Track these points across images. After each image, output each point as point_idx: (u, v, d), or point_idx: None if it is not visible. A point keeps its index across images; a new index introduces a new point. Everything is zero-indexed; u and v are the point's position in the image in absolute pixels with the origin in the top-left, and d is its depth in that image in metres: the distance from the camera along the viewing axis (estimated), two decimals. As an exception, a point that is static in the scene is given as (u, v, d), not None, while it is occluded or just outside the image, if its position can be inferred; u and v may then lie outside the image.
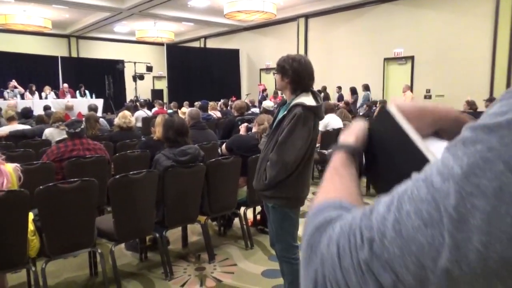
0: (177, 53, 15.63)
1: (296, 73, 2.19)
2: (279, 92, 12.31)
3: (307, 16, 13.65)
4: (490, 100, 7.43)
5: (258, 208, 3.97)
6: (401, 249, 0.35)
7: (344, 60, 12.56)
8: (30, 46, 15.53)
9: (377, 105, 8.60)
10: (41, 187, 2.35)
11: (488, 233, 0.31)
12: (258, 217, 4.04)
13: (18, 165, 2.29)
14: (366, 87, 11.14)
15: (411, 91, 10.46)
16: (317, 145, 5.47)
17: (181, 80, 14.76)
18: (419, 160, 0.45)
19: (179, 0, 11.95)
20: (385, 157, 0.62)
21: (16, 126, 5.21)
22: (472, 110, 7.24)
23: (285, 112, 2.18)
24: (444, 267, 0.32)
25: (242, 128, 4.03)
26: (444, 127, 0.60)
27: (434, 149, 0.51)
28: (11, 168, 2.30)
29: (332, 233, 0.41)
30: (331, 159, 0.60)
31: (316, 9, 12.97)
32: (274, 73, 2.40)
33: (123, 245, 3.34)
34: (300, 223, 2.40)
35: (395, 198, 0.38)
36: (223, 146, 3.79)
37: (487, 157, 0.32)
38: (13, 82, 11.26)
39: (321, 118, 2.30)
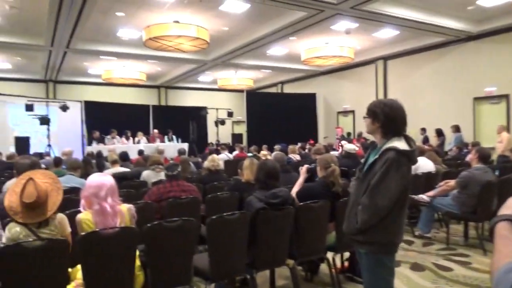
0: (255, 99, 16.34)
1: (387, 118, 2.20)
2: (362, 134, 12.16)
3: (385, 59, 13.52)
4: None
5: (346, 255, 3.85)
6: None
7: (427, 101, 12.04)
8: (127, 97, 17.42)
9: (469, 147, 8.03)
10: (148, 224, 2.55)
11: None
12: (346, 263, 3.90)
13: (132, 206, 2.54)
14: (457, 128, 10.46)
15: (508, 131, 9.59)
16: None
17: (259, 124, 15.28)
18: None
19: (258, 50, 12.65)
20: None
21: (118, 169, 5.77)
22: None
23: (377, 156, 2.18)
24: None
25: (303, 170, 3.78)
26: None
27: None
28: (125, 208, 2.56)
29: None
30: (496, 230, 0.70)
31: (395, 51, 12.81)
32: (364, 117, 2.43)
33: (213, 285, 3.42)
34: (395, 272, 2.29)
35: None
36: (295, 195, 3.46)
37: None
38: (114, 133, 12.60)
39: (415, 162, 2.25)
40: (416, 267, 4.03)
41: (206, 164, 5.04)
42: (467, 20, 10.18)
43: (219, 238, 2.79)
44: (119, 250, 2.43)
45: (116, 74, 15.08)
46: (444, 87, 11.63)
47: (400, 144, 2.16)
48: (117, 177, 5.51)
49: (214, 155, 5.05)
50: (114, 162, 5.87)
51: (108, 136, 12.47)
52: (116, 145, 11.74)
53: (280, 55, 13.86)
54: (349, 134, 14.06)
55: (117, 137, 12.66)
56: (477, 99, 10.85)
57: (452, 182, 4.53)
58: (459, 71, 11.19)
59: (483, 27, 10.30)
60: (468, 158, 6.35)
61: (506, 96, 10.13)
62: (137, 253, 2.65)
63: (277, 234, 3.08)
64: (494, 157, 8.74)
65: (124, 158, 7.29)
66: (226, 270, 2.84)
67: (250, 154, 10.12)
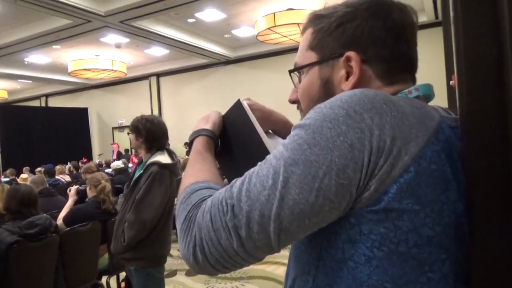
0: (12, 114, 13.93)
1: (150, 133, 2.30)
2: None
3: (158, 75, 13.97)
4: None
5: (123, 275, 3.74)
6: (250, 207, 0.52)
7: (196, 116, 13.06)
8: None
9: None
10: None
11: (299, 187, 0.50)
12: (123, 285, 3.79)
13: None
14: None
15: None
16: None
17: (19, 143, 13.05)
18: (262, 151, 0.61)
19: (13, 56, 10.84)
20: (235, 145, 0.75)
21: None
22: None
23: (142, 171, 2.23)
24: (276, 213, 0.50)
25: (72, 192, 3.57)
26: (276, 128, 0.85)
27: (272, 143, 0.69)
28: None
29: (205, 207, 0.56)
30: (194, 144, 0.74)
31: (167, 69, 13.42)
32: (128, 133, 2.46)
33: None
34: (172, 281, 2.39)
35: (247, 176, 0.55)
36: (60, 221, 3.14)
37: (299, 143, 0.52)
38: None
39: (178, 175, 2.40)
40: (191, 272, 4.29)
41: None
42: (226, 46, 11.69)
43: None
44: None
45: None
46: (210, 103, 12.95)
47: (162, 158, 2.27)
48: None
49: None
50: None
51: None
52: None
53: (42, 64, 12.27)
54: (126, 150, 13.74)
55: None
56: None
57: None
58: (221, 89, 12.72)
59: (239, 53, 12.06)
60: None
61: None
62: None
63: (38, 269, 2.71)
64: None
65: None
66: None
67: (6, 179, 8.50)
